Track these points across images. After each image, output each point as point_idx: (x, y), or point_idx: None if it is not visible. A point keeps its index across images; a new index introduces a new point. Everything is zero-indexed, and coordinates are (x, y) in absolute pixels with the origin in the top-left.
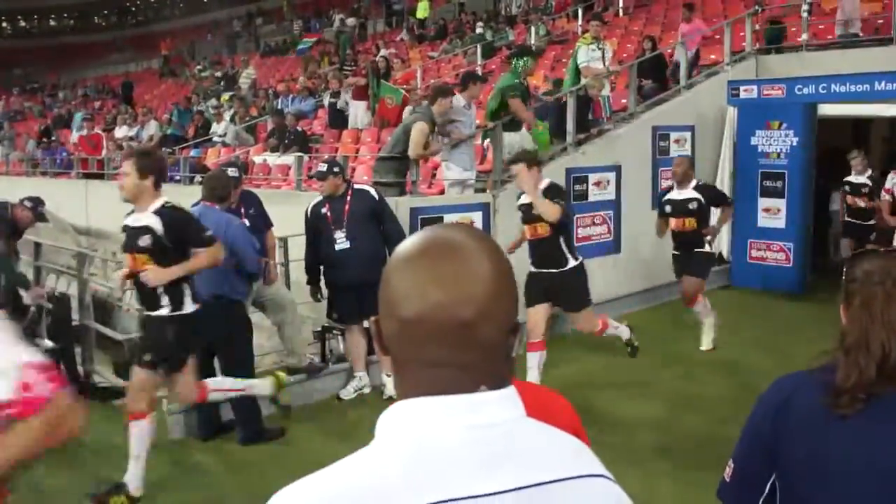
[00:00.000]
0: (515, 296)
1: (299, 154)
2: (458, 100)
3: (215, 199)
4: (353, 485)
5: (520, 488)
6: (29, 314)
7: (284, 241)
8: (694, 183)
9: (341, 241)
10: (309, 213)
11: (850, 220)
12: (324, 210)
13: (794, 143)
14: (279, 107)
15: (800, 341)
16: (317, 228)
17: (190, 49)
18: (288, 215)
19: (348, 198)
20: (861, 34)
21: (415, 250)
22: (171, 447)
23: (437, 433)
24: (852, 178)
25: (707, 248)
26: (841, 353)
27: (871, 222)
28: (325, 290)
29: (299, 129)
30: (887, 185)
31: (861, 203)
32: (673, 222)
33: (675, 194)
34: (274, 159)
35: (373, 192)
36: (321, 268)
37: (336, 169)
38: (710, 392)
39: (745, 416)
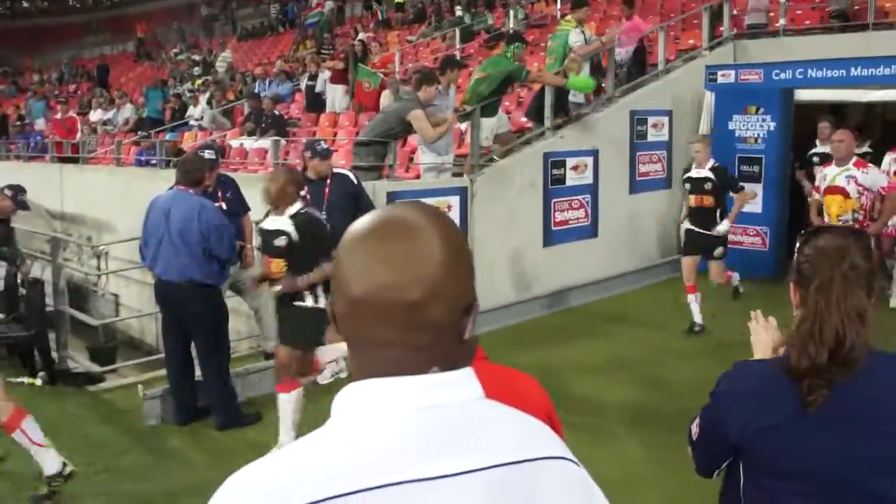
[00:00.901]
0: (470, 275)
1: (276, 138)
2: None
3: (189, 183)
4: (303, 468)
5: (472, 471)
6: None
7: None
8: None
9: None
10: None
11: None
12: (302, 193)
13: (772, 128)
14: (256, 90)
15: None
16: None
17: (166, 32)
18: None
19: (328, 181)
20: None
21: (365, 230)
22: (147, 433)
23: (385, 416)
24: (820, 149)
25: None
26: (797, 339)
27: None
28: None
29: (276, 112)
30: (816, 181)
31: None
32: (692, 199)
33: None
34: (251, 143)
35: (352, 176)
36: None
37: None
38: (684, 375)
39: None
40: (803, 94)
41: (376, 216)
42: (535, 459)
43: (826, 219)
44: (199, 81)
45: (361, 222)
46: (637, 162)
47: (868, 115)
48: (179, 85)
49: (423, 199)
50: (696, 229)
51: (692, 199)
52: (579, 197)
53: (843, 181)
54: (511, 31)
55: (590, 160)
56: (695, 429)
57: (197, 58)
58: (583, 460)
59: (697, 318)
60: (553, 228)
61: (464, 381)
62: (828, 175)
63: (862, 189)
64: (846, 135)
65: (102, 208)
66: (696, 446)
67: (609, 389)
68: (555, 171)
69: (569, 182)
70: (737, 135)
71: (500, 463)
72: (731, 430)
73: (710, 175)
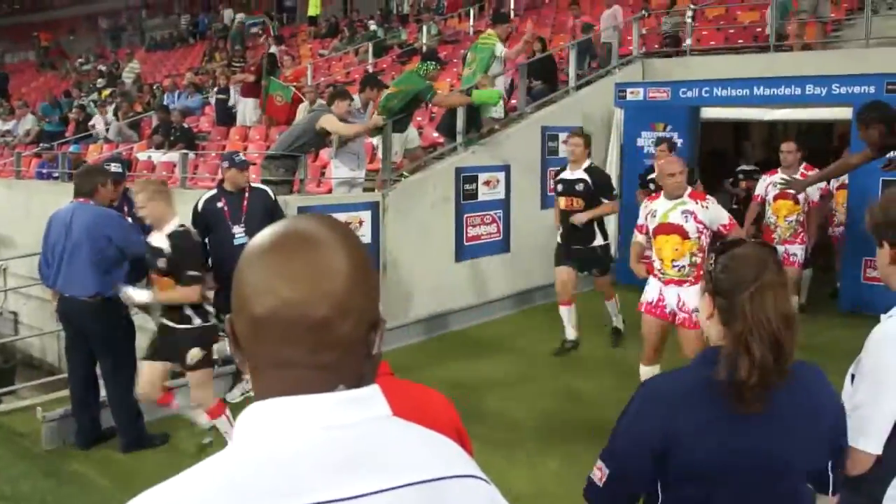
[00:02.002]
0: (375, 290)
1: (185, 151)
2: (354, 101)
3: (86, 195)
4: (207, 491)
5: (381, 491)
6: None
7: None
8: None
9: (240, 236)
10: (200, 206)
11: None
12: (220, 205)
13: (679, 145)
14: (165, 102)
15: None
16: (209, 223)
17: (71, 41)
18: None
19: (246, 194)
20: (742, 41)
21: (267, 244)
22: (46, 457)
23: (291, 435)
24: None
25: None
26: (738, 349)
27: None
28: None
29: (185, 125)
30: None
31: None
32: (561, 201)
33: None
34: (159, 156)
35: (269, 191)
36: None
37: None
38: (595, 388)
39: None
40: (709, 112)
41: (277, 229)
42: (445, 478)
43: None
44: (105, 92)
45: (262, 236)
46: (548, 177)
47: (770, 132)
48: (85, 96)
49: (334, 214)
50: (566, 243)
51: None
52: (492, 212)
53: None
54: (426, 49)
55: (501, 175)
56: (597, 473)
57: (103, 68)
58: (496, 476)
59: (570, 334)
60: (465, 243)
61: (371, 398)
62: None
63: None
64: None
65: (1, 223)
66: (600, 493)
67: (522, 403)
68: (467, 186)
69: (481, 197)
70: (645, 151)
71: (410, 482)
72: (655, 438)
73: (585, 176)
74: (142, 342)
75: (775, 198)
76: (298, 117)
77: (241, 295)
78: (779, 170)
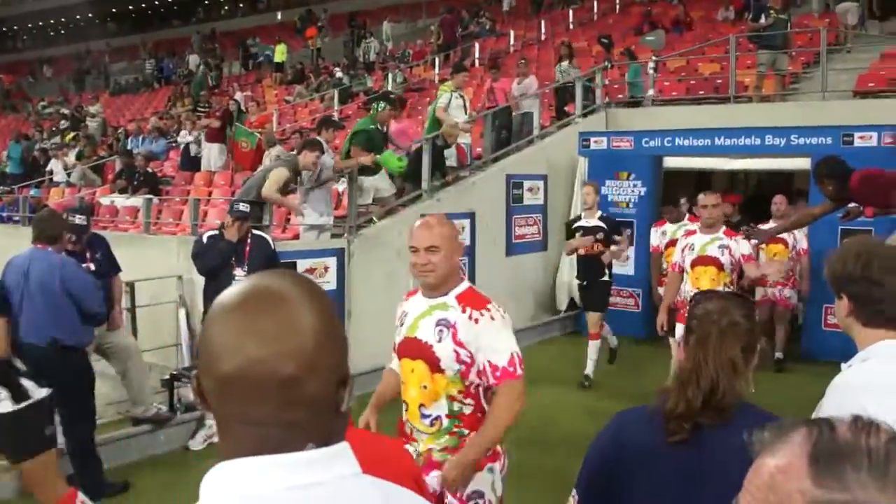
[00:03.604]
0: (343, 346)
1: (149, 196)
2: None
3: (46, 241)
4: None
5: None
6: None
7: (132, 286)
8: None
9: (240, 278)
10: (205, 239)
11: None
12: (222, 244)
13: (642, 193)
14: (129, 147)
15: (646, 382)
16: (223, 255)
17: (32, 84)
18: (136, 259)
19: (249, 240)
20: (703, 92)
21: (233, 301)
22: None
23: (260, 496)
24: (584, 222)
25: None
26: (675, 384)
27: None
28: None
29: (149, 170)
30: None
31: None
32: (582, 248)
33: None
34: (122, 201)
35: (270, 240)
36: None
37: (250, 213)
38: (567, 433)
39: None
40: (671, 161)
41: (243, 286)
42: None
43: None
44: (69, 136)
45: (227, 294)
46: (514, 225)
47: (732, 181)
48: (46, 139)
49: (300, 260)
50: (586, 282)
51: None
52: None
53: (716, 251)
54: (380, 91)
55: (467, 222)
56: (572, 501)
57: (66, 111)
58: None
59: (590, 370)
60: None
61: (339, 456)
62: (695, 245)
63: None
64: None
65: None
66: None
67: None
68: None
69: None
70: (609, 199)
71: None
72: (603, 458)
73: (602, 224)
74: (101, 388)
75: (767, 242)
76: (265, 163)
77: (208, 353)
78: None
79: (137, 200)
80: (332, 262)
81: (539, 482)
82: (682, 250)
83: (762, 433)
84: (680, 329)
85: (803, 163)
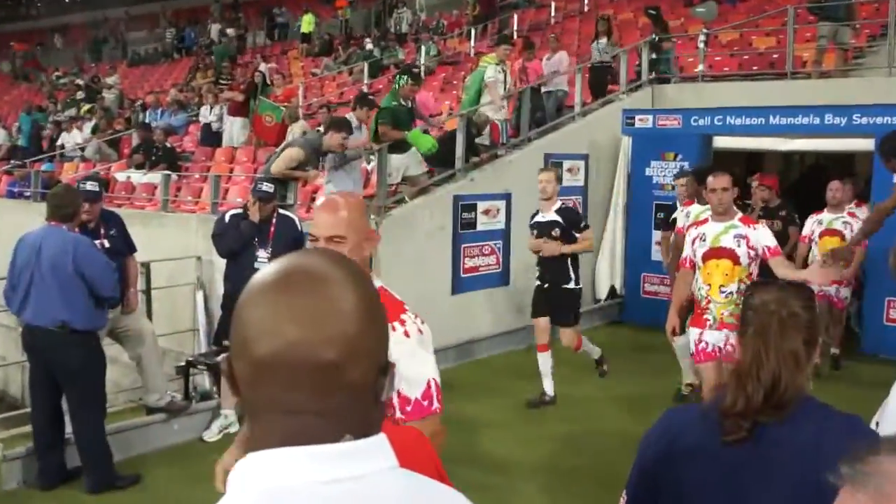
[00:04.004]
0: (385, 332)
1: (167, 172)
2: (349, 117)
3: (61, 219)
4: None
5: None
6: None
7: (147, 266)
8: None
9: (262, 260)
10: (227, 218)
11: None
12: (244, 225)
13: None
14: (147, 120)
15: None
16: (243, 236)
17: (47, 52)
18: (152, 239)
19: (274, 220)
20: (757, 68)
21: (270, 281)
22: (5, 499)
23: (293, 490)
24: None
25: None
26: (732, 379)
27: None
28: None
29: (168, 144)
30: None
31: None
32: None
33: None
34: (139, 177)
35: (297, 221)
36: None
37: (276, 191)
38: (597, 433)
39: (632, 456)
40: (721, 142)
41: (281, 266)
42: None
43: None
44: (85, 108)
45: (264, 273)
46: None
47: (786, 163)
48: (61, 111)
49: None
50: (545, 286)
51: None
52: (490, 242)
53: (731, 241)
54: (405, 64)
55: (502, 204)
56: (621, 501)
57: (81, 82)
58: None
59: (548, 388)
60: (462, 275)
61: (378, 449)
62: (707, 235)
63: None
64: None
65: None
66: None
67: (518, 447)
68: (465, 215)
69: (480, 227)
70: (654, 181)
71: None
72: (652, 460)
73: (558, 218)
74: (112, 375)
75: (821, 235)
76: (288, 138)
77: (242, 336)
78: (826, 210)
79: (155, 177)
80: None
81: (581, 480)
82: (693, 242)
83: (849, 462)
84: (693, 333)
85: (866, 144)
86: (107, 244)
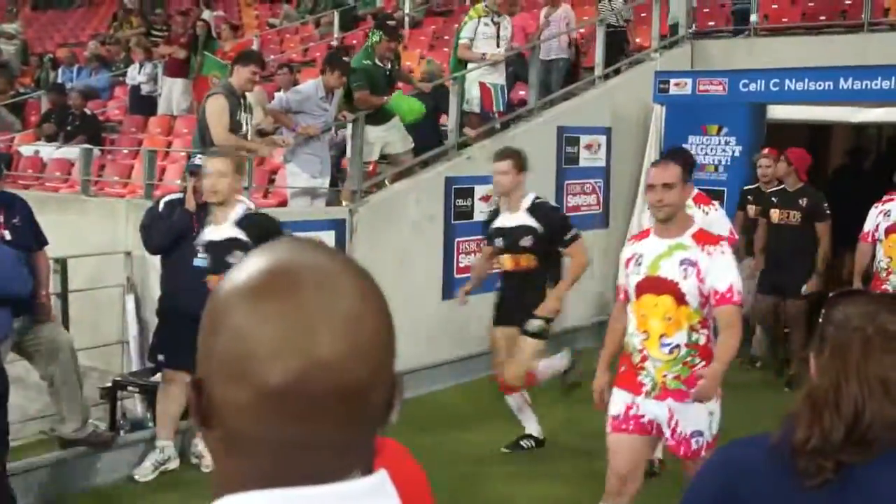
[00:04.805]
0: (396, 341)
1: (87, 146)
2: (311, 87)
3: None
4: None
5: None
6: None
7: (63, 264)
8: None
9: (201, 258)
10: (161, 205)
11: None
12: (176, 214)
13: (737, 154)
14: (59, 80)
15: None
16: (172, 229)
17: None
18: (68, 229)
19: None
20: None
21: (272, 283)
22: None
23: None
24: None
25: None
26: (805, 408)
27: None
28: None
29: (87, 111)
30: (866, 226)
31: None
32: (506, 260)
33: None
34: (50, 151)
35: (252, 206)
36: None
37: None
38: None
39: (655, 493)
40: (778, 111)
41: (277, 263)
42: None
43: (885, 264)
44: None
45: (258, 272)
46: (566, 192)
47: (859, 138)
48: None
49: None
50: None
51: (507, 261)
52: None
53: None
54: (383, 14)
55: None
56: None
57: None
58: None
59: (533, 429)
60: (456, 276)
61: (382, 488)
62: (892, 212)
63: None
64: None
65: None
66: None
67: (527, 485)
68: (459, 202)
69: (478, 216)
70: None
71: None
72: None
73: (530, 221)
74: (17, 399)
75: (888, 231)
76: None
77: (246, 355)
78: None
79: (72, 151)
80: (329, 237)
81: None
82: (627, 264)
83: None
84: (620, 398)
85: None
86: (8, 236)
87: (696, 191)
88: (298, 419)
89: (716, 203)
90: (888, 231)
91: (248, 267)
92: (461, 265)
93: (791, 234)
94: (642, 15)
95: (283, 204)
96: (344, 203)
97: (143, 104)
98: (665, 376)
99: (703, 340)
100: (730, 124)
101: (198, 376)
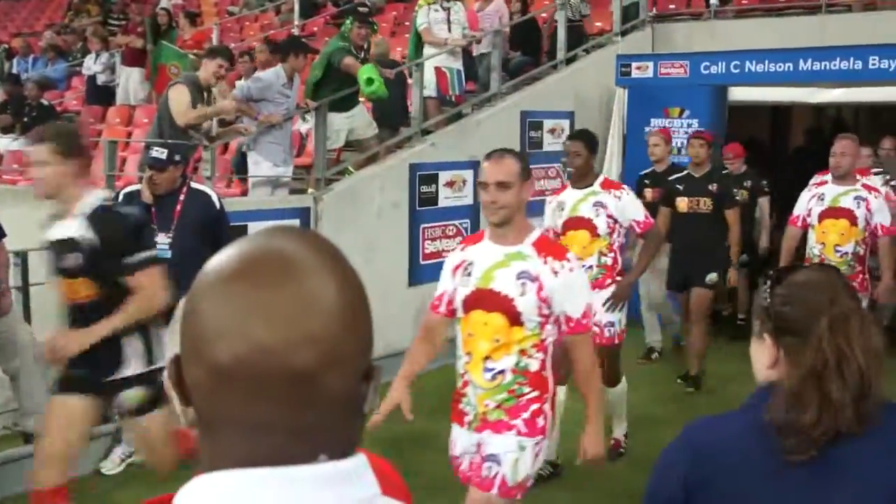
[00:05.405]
0: (370, 330)
1: None
2: (272, 74)
3: None
4: None
5: None
6: None
7: (23, 256)
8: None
9: (162, 247)
10: (120, 197)
11: None
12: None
13: None
14: (14, 70)
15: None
16: None
17: None
18: (27, 221)
19: (182, 197)
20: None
21: (233, 269)
22: None
23: None
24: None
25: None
26: (797, 383)
27: None
28: None
29: (44, 102)
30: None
31: None
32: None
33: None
34: (6, 143)
35: (214, 197)
36: None
37: (178, 157)
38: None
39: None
40: (739, 93)
41: (244, 250)
42: None
43: (818, 250)
44: None
45: (224, 259)
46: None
47: (819, 118)
48: None
49: (252, 223)
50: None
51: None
52: (456, 222)
53: (852, 202)
54: (352, 2)
55: (469, 174)
56: None
57: None
58: None
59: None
60: (422, 262)
61: (358, 473)
62: (826, 196)
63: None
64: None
65: None
66: None
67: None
68: (424, 189)
69: (442, 202)
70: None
71: None
72: (677, 487)
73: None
74: None
75: (821, 217)
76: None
77: (198, 335)
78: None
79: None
80: (294, 225)
81: None
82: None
83: None
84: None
85: None
86: None
87: (602, 176)
88: (246, 397)
89: (626, 187)
90: (821, 216)
91: (225, 252)
92: (427, 251)
93: (702, 223)
94: None
95: (245, 193)
96: (309, 191)
97: (101, 94)
98: (487, 405)
99: (535, 367)
100: (691, 107)
101: (177, 357)
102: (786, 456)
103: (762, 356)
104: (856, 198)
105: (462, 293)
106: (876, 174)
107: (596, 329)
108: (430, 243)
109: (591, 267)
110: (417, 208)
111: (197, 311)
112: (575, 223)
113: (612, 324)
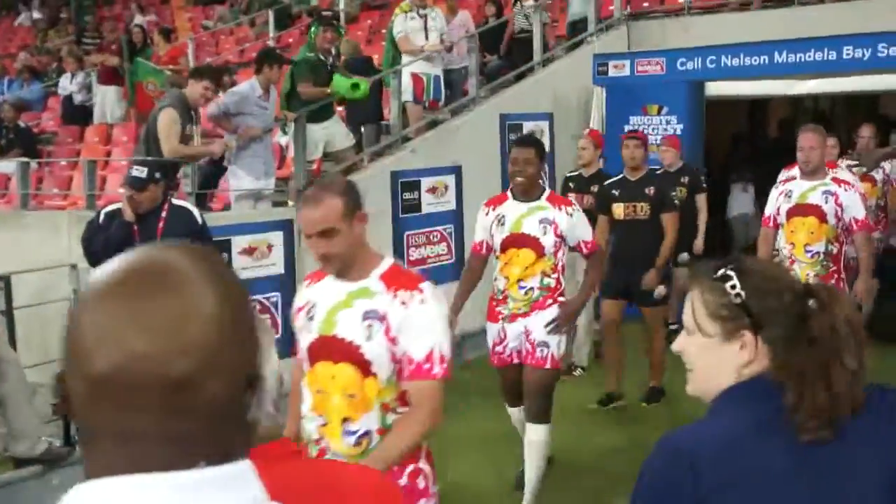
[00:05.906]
0: (254, 339)
1: (23, 159)
2: (247, 87)
3: None
4: None
5: None
6: None
7: (6, 280)
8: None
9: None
10: (101, 217)
11: None
12: (115, 225)
13: (679, 132)
14: None
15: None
16: (110, 242)
17: None
18: (9, 245)
19: (163, 214)
20: None
21: (110, 280)
22: None
23: None
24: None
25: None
26: (814, 370)
27: None
28: None
29: (21, 124)
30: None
31: None
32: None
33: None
34: None
35: (196, 213)
36: None
37: (158, 175)
38: (583, 445)
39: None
40: (715, 88)
41: (126, 262)
42: None
43: (788, 251)
44: None
45: (106, 272)
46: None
47: (796, 110)
48: None
49: (235, 237)
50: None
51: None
52: (439, 228)
53: (820, 198)
54: (318, 10)
55: (451, 180)
56: None
57: None
58: None
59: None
60: (407, 269)
61: (239, 478)
62: (793, 193)
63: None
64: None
65: None
66: None
67: (492, 469)
68: (407, 196)
69: (425, 209)
70: None
71: None
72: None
73: None
74: None
75: (789, 214)
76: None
77: (77, 346)
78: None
79: (9, 165)
80: (276, 238)
81: None
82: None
83: None
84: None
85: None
86: None
87: (548, 190)
88: (123, 408)
89: (575, 204)
90: (789, 214)
91: (103, 268)
92: (412, 258)
93: (640, 230)
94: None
95: (227, 207)
96: (290, 203)
97: (77, 114)
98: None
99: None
100: (670, 103)
101: (62, 370)
102: (807, 435)
103: (732, 357)
104: (824, 192)
105: (306, 341)
106: (849, 166)
107: (528, 347)
108: (414, 250)
109: (531, 289)
110: (401, 215)
111: (77, 324)
112: (518, 240)
113: (545, 344)
